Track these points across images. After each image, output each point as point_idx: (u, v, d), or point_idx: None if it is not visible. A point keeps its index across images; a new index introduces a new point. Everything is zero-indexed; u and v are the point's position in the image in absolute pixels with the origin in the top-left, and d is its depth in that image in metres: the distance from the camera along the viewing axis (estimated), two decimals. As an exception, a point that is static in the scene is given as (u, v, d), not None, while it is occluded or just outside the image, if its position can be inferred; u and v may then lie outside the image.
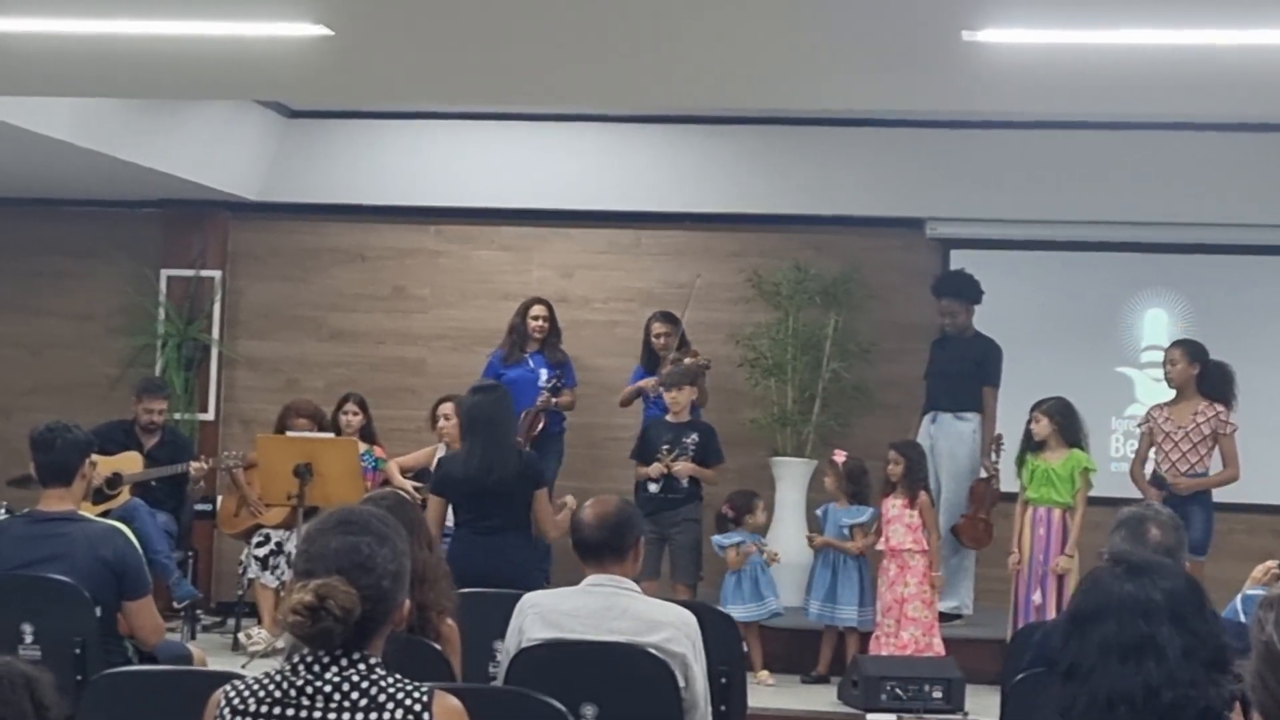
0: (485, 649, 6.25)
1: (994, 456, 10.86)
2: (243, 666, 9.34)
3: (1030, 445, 9.99)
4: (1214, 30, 6.93)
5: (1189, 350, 10.21)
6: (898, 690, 9.16)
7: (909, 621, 9.92)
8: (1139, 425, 10.50)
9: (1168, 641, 3.35)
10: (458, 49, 7.95)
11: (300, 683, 3.53)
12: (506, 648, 5.60)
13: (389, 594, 3.64)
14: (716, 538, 10.30)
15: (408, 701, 3.54)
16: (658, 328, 11.68)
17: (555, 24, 7.35)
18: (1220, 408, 10.08)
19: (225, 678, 3.84)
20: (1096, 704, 3.34)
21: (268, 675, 3.59)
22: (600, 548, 5.57)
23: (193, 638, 10.63)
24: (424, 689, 3.59)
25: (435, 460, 10.65)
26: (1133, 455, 11.82)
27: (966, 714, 9.12)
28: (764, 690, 9.69)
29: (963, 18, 6.89)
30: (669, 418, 10.52)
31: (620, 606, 5.46)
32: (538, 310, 11.82)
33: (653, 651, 5.35)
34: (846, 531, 10.21)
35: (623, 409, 11.83)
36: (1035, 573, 9.85)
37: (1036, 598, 9.77)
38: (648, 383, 11.41)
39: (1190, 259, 12.34)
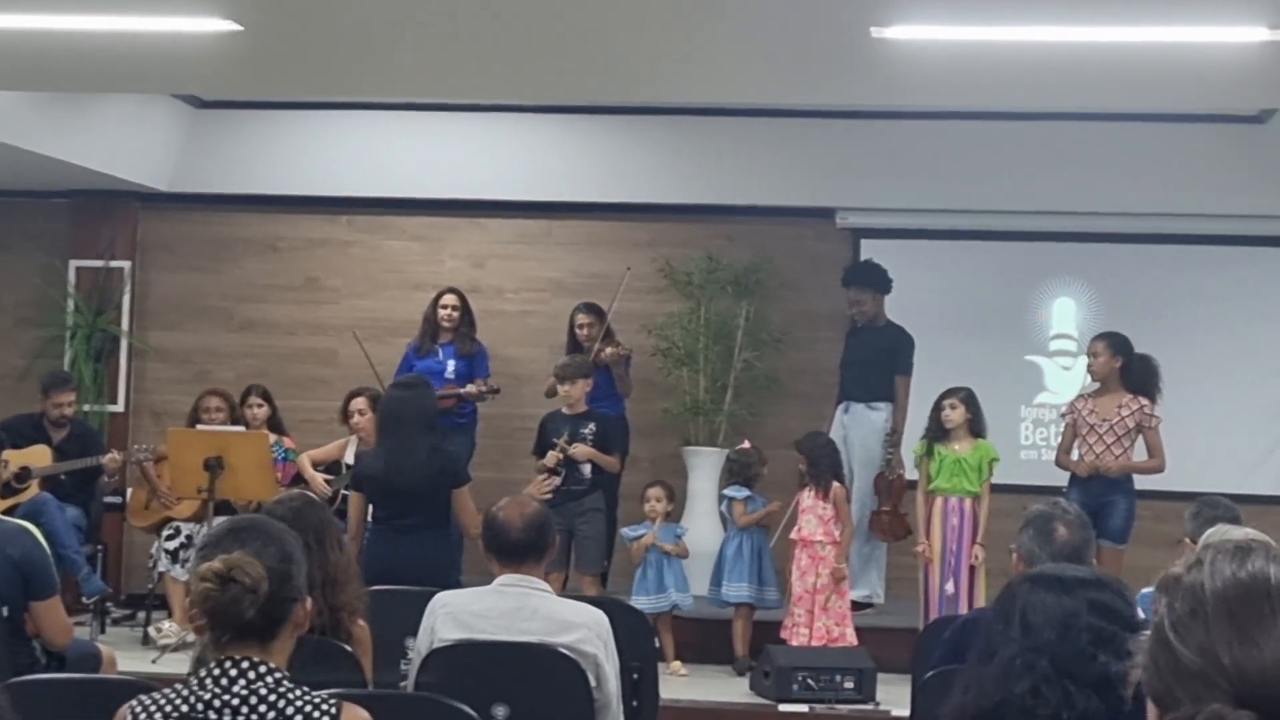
0: (397, 646, 6.24)
1: (889, 449, 10.94)
2: (153, 661, 9.42)
3: (939, 433, 10.05)
4: (1112, 26, 7.05)
5: (1112, 343, 10.17)
6: (809, 680, 9.20)
7: (822, 612, 9.95)
8: (1062, 415, 10.49)
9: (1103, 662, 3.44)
10: (366, 42, 7.95)
11: (208, 696, 3.51)
12: (418, 647, 5.59)
13: (290, 577, 3.66)
14: (624, 530, 10.36)
15: (315, 714, 3.53)
16: (581, 318, 11.61)
17: (462, 17, 7.36)
18: (1144, 401, 10.05)
19: (134, 687, 3.82)
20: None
21: (174, 689, 3.57)
22: (526, 548, 5.58)
23: (102, 632, 10.57)
24: (331, 700, 3.58)
25: (350, 454, 10.64)
26: (1042, 443, 12.00)
27: (878, 704, 9.15)
28: (677, 681, 9.68)
29: (871, 15, 6.95)
30: (564, 410, 10.49)
31: (532, 607, 5.47)
32: (447, 299, 11.75)
33: (564, 652, 5.37)
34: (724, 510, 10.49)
35: (547, 399, 11.70)
36: (948, 563, 9.91)
37: (949, 588, 9.81)
38: None
39: (1097, 248, 12.43)
